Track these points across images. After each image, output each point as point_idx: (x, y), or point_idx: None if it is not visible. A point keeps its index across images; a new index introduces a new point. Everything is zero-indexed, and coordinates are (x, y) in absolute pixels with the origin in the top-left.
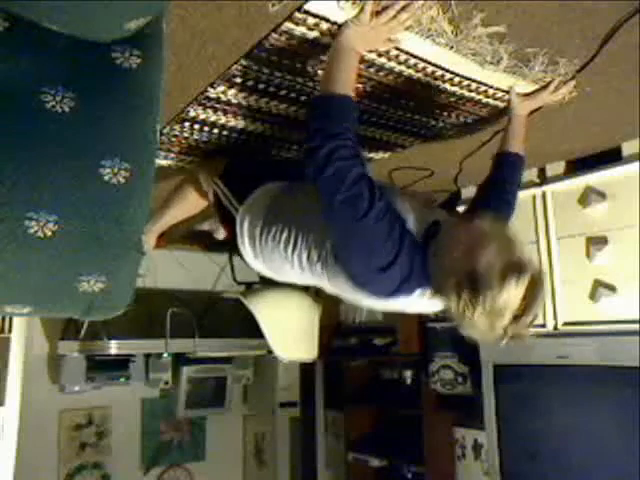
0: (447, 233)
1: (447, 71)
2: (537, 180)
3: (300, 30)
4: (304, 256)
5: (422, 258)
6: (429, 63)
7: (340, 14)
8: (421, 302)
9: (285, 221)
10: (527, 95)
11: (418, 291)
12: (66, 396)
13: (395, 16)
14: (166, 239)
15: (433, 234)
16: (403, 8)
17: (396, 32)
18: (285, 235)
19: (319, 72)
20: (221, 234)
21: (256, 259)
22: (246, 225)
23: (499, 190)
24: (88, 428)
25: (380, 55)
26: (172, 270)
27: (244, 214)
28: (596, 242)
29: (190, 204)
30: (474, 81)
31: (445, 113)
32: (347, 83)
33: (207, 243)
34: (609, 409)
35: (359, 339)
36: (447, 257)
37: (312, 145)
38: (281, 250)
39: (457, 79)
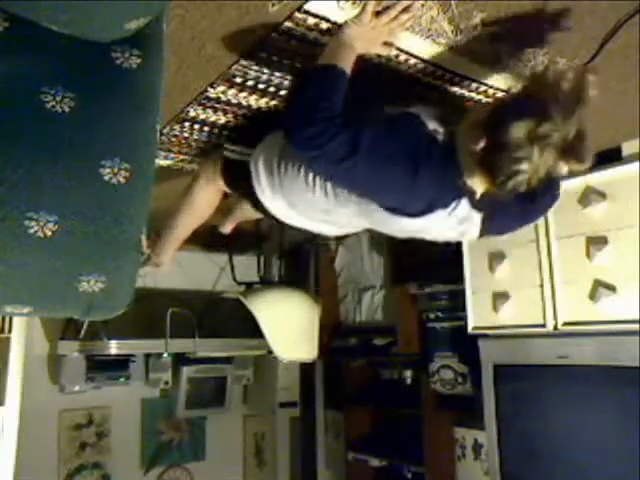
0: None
1: (447, 71)
2: None
3: (300, 30)
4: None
5: (453, 164)
6: (429, 63)
7: (340, 14)
8: (457, 218)
9: None
10: None
11: (454, 203)
12: (66, 396)
13: (396, 17)
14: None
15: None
16: (404, 9)
17: (396, 33)
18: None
19: None
20: (227, 228)
21: (275, 196)
22: (261, 161)
23: None
24: (88, 428)
25: (380, 55)
26: (172, 270)
27: (258, 153)
28: (596, 242)
29: (199, 209)
30: (474, 81)
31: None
32: (339, 62)
33: (207, 242)
34: (609, 409)
35: (359, 339)
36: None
37: (292, 116)
38: (302, 176)
39: (457, 79)
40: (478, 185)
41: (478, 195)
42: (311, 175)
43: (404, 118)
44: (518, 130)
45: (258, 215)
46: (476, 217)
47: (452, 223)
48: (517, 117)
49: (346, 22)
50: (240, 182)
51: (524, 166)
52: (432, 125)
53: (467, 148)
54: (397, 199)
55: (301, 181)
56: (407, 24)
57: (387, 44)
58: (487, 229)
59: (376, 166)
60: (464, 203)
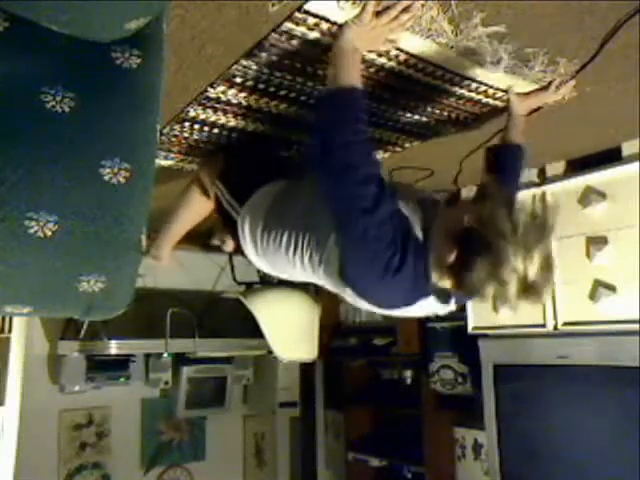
0: (439, 221)
1: (447, 71)
2: (537, 180)
3: (300, 30)
4: (306, 258)
5: (424, 263)
6: (429, 63)
7: (340, 14)
8: (424, 308)
9: (285, 223)
10: (527, 95)
11: (421, 300)
12: (66, 396)
13: (396, 17)
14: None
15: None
16: (404, 9)
17: (397, 33)
18: (286, 237)
19: (319, 72)
20: (229, 247)
21: (259, 259)
22: (247, 227)
23: (503, 179)
24: (88, 428)
25: (380, 55)
26: (172, 270)
27: (245, 216)
28: (596, 242)
29: (196, 208)
30: (474, 81)
31: (445, 113)
32: (353, 79)
33: (207, 242)
34: (609, 409)
35: (359, 339)
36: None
37: (321, 141)
38: (282, 252)
39: (457, 79)
40: (446, 284)
41: (446, 289)
42: (291, 253)
43: (400, 216)
44: (481, 268)
45: None
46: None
47: (420, 312)
48: (483, 249)
49: (346, 22)
50: (228, 224)
51: (488, 291)
52: (417, 229)
53: (437, 256)
54: (371, 284)
55: (282, 255)
56: (407, 24)
57: (389, 41)
58: (459, 303)
59: (376, 237)
60: (431, 299)
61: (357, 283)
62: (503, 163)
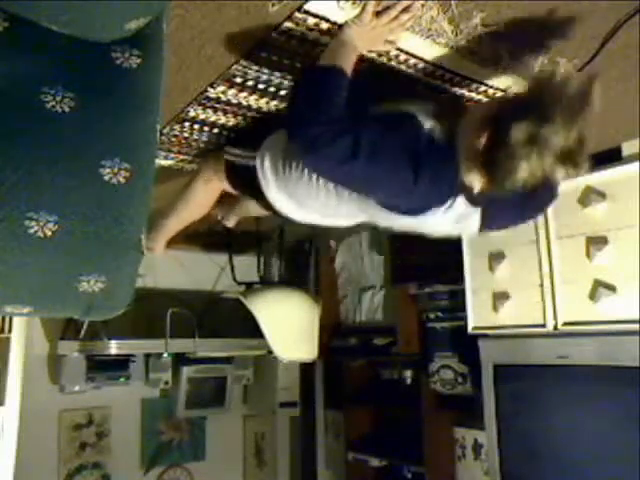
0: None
1: (447, 71)
2: None
3: (300, 30)
4: None
5: (450, 162)
6: (429, 63)
7: (340, 14)
8: (455, 215)
9: None
10: None
11: (450, 201)
12: (66, 396)
13: (396, 17)
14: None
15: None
16: (404, 9)
17: (397, 33)
18: None
19: None
20: (231, 222)
21: (280, 194)
22: (268, 162)
23: None
24: (88, 428)
25: (380, 55)
26: (172, 270)
27: (264, 154)
28: (596, 242)
29: (194, 205)
30: (474, 81)
31: None
32: (343, 64)
33: (207, 242)
34: (609, 409)
35: (359, 339)
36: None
37: (294, 117)
38: (305, 177)
39: (457, 79)
40: (476, 182)
41: (476, 191)
42: (315, 176)
43: (401, 120)
44: (519, 131)
45: (262, 211)
46: (474, 213)
47: (449, 220)
48: (519, 118)
49: (346, 22)
50: (245, 183)
51: (522, 167)
52: (429, 124)
53: (467, 145)
54: (396, 200)
55: (305, 182)
56: (407, 24)
57: (388, 42)
58: (486, 225)
59: (376, 170)
60: (460, 200)
61: (381, 192)
62: None
